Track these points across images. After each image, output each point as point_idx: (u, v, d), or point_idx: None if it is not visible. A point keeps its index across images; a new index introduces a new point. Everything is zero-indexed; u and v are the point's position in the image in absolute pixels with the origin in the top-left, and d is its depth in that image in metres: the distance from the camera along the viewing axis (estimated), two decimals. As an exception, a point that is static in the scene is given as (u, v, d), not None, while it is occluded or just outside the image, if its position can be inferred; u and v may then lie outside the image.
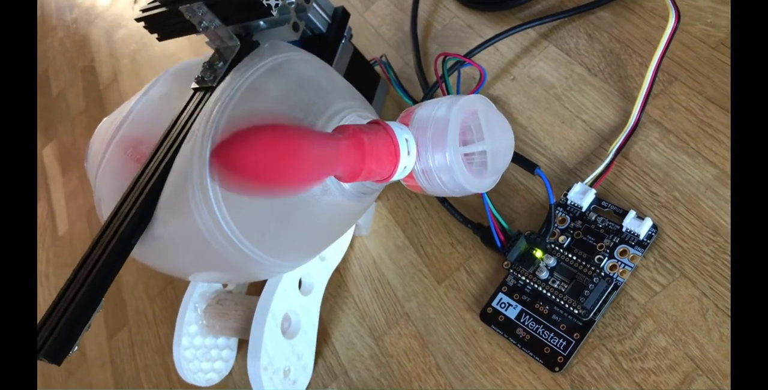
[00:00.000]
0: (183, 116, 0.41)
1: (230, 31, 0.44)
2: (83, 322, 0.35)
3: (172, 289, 0.68)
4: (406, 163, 0.34)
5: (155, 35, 0.49)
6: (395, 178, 0.34)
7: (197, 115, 0.40)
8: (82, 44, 1.15)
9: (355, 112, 0.40)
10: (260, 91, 0.39)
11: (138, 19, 0.48)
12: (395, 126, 0.33)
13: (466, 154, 0.35)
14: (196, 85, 0.43)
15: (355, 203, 0.40)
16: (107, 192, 0.43)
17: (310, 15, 0.52)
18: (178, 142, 0.39)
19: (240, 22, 0.45)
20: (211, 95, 0.40)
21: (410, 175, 0.35)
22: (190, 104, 0.41)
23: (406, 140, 0.33)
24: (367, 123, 0.34)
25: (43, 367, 0.79)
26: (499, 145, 0.37)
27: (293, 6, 0.47)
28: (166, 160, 0.39)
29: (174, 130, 0.40)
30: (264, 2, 0.42)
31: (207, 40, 0.46)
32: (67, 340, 0.34)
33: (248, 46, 0.44)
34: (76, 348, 0.34)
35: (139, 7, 1.06)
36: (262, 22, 0.46)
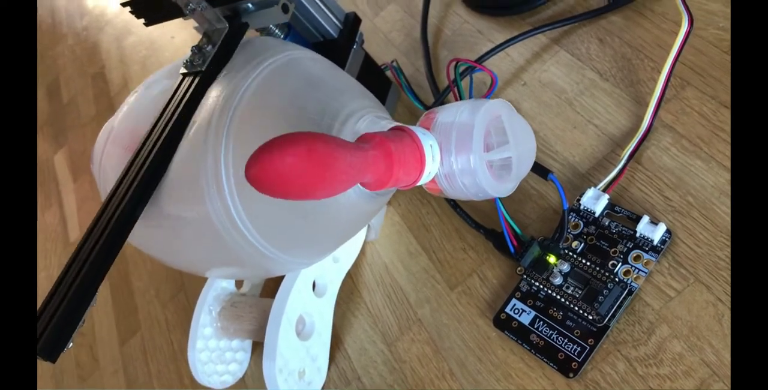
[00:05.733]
0: (174, 100, 0.40)
1: (218, 13, 0.44)
2: (78, 318, 0.34)
3: (184, 295, 0.69)
4: (431, 169, 0.34)
5: (142, 20, 0.49)
6: (419, 183, 0.34)
7: (188, 97, 0.39)
8: (93, 51, 1.16)
9: (371, 112, 0.40)
10: (272, 88, 0.38)
11: (124, 4, 0.48)
12: (419, 132, 0.33)
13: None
14: (185, 70, 0.42)
15: (369, 203, 0.40)
16: (110, 187, 0.44)
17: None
18: (172, 124, 0.38)
19: (227, 3, 0.45)
20: (201, 80, 0.40)
21: (432, 179, 0.35)
22: (181, 88, 0.41)
23: (431, 146, 0.33)
24: (391, 129, 0.34)
25: (55, 371, 0.79)
26: (523, 150, 0.37)
27: None
28: (159, 143, 0.38)
29: (166, 113, 0.39)
30: None
31: (195, 24, 0.46)
32: (60, 337, 0.33)
33: (237, 28, 0.43)
34: (71, 344, 0.34)
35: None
36: (250, 4, 0.45)
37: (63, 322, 0.33)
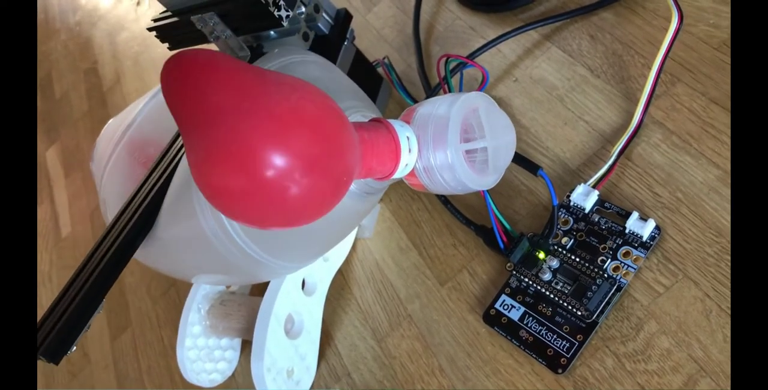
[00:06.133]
0: None
1: (241, 42, 0.44)
2: (83, 323, 0.35)
3: (175, 291, 0.68)
4: (408, 161, 0.34)
5: (166, 44, 0.49)
6: (396, 176, 0.34)
7: None
8: (85, 47, 1.16)
9: (359, 112, 0.40)
10: None
11: (150, 29, 0.48)
12: (396, 124, 0.33)
13: (468, 152, 0.35)
14: None
15: (358, 203, 0.40)
16: (112, 194, 0.44)
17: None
18: (182, 150, 0.39)
19: (251, 32, 0.45)
20: None
21: (412, 173, 0.35)
22: None
23: (408, 138, 0.33)
24: (369, 121, 0.34)
25: (46, 368, 0.79)
26: (500, 142, 0.37)
27: (303, 16, 0.47)
28: (172, 165, 0.39)
29: (179, 139, 0.40)
30: (275, 13, 0.42)
31: (218, 49, 0.47)
32: (65, 340, 0.34)
33: (258, 56, 0.44)
34: (75, 348, 0.34)
35: (141, 9, 1.07)
36: (272, 32, 0.46)
37: (68, 327, 0.34)
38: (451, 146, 0.33)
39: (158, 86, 0.47)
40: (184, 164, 0.38)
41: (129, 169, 0.42)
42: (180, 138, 0.40)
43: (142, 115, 0.46)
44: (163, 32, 0.48)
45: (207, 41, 0.46)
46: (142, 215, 0.38)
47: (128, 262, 0.38)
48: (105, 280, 0.36)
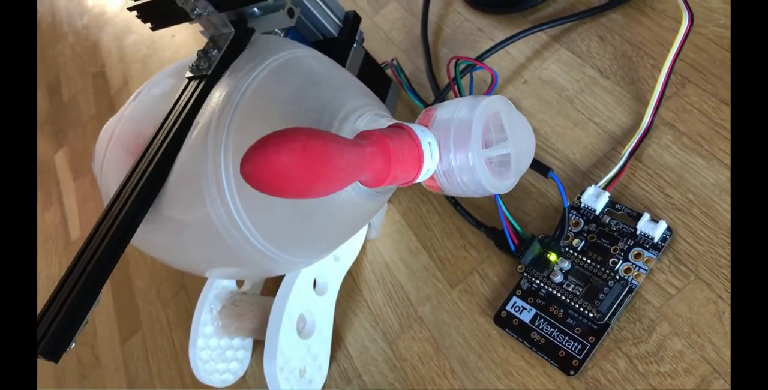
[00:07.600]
0: (179, 103, 0.40)
1: (224, 18, 0.44)
2: (80, 318, 0.34)
3: (185, 294, 0.69)
4: (429, 167, 0.34)
5: (148, 24, 0.49)
6: (417, 181, 0.34)
7: (193, 101, 0.39)
8: (93, 50, 1.16)
9: (371, 110, 0.40)
10: (272, 86, 0.38)
11: (131, 8, 0.48)
12: (418, 129, 0.33)
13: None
14: (191, 74, 0.42)
15: (369, 202, 0.40)
16: (110, 190, 0.44)
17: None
18: (176, 127, 0.38)
19: (233, 8, 0.44)
20: (207, 83, 0.40)
21: (431, 176, 0.35)
22: (186, 92, 0.41)
23: (429, 144, 0.33)
24: (389, 126, 0.34)
25: (57, 370, 0.79)
26: (522, 147, 0.37)
27: None
28: (164, 147, 0.38)
29: (171, 117, 0.40)
30: None
31: (201, 28, 0.46)
32: (63, 337, 0.33)
33: (243, 32, 0.44)
34: (74, 345, 0.34)
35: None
36: (256, 9, 0.45)
37: (65, 323, 0.33)
38: (473, 150, 0.33)
39: (146, 82, 0.47)
40: (186, 154, 0.38)
41: (123, 162, 0.42)
42: (169, 120, 0.39)
43: (129, 108, 0.45)
44: (144, 11, 0.48)
45: (189, 19, 0.45)
46: (134, 202, 0.37)
47: (121, 255, 0.37)
48: (100, 272, 0.35)
